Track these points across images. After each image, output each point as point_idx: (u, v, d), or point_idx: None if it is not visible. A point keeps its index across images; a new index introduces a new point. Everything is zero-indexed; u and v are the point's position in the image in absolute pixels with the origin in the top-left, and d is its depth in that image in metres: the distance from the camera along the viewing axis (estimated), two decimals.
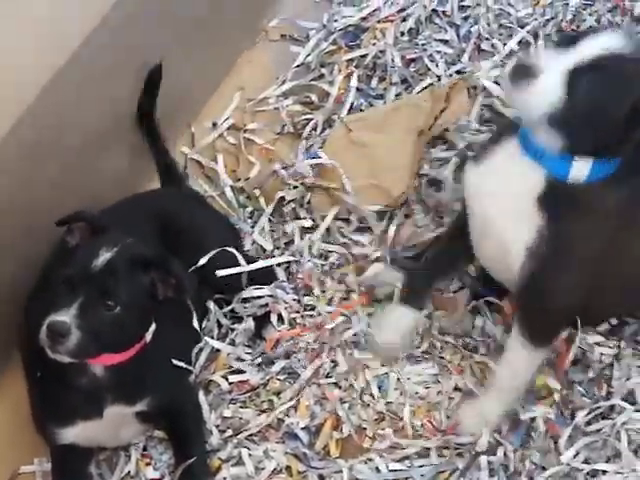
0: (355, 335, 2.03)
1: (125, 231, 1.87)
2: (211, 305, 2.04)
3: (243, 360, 2.02)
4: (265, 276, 2.09)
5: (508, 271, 1.79)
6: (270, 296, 2.07)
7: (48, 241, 1.92)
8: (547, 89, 1.61)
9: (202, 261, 1.97)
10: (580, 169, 1.68)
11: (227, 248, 2.01)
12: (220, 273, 2.00)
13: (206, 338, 2.01)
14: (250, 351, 2.04)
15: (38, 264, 1.95)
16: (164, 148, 2.20)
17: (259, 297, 2.06)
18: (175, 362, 1.90)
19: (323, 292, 2.11)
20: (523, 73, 1.61)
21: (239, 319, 2.07)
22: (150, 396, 1.86)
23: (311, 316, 2.09)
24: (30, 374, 1.88)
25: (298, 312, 2.08)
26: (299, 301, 2.09)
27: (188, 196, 2.19)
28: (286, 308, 2.07)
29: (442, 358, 2.03)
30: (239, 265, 2.02)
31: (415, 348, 2.04)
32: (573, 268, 1.75)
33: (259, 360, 2.03)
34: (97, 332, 1.70)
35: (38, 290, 1.93)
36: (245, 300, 2.07)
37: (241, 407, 1.98)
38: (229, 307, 2.06)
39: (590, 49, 1.61)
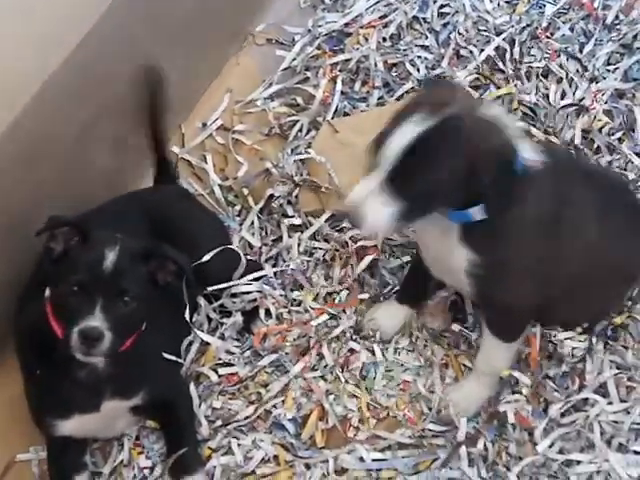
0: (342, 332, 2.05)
1: (118, 229, 1.87)
2: (201, 300, 2.04)
3: (232, 353, 2.02)
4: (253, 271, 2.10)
5: (464, 289, 1.88)
6: (258, 291, 2.07)
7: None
8: (376, 213, 1.66)
9: (206, 257, 1.98)
10: (475, 212, 1.71)
11: (223, 245, 2.03)
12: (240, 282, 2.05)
13: (196, 331, 2.01)
14: (239, 345, 2.04)
15: (29, 262, 1.94)
16: (164, 145, 2.19)
17: (248, 292, 2.07)
18: (167, 356, 1.90)
19: (310, 288, 2.12)
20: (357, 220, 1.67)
21: (228, 314, 2.07)
22: (146, 389, 1.86)
23: (298, 312, 2.10)
24: (27, 370, 1.87)
25: (285, 307, 2.09)
26: (286, 297, 2.10)
27: (180, 194, 2.19)
28: (274, 303, 2.08)
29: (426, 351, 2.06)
30: (232, 261, 2.03)
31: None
32: (511, 280, 1.81)
33: (248, 353, 2.03)
34: (122, 328, 1.72)
35: (30, 288, 1.92)
36: (234, 295, 2.07)
37: (230, 399, 1.98)
38: (218, 302, 2.06)
39: (389, 154, 1.64)
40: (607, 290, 1.96)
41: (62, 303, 1.74)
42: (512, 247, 1.77)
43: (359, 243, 2.15)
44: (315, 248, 2.19)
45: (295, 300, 2.12)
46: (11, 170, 1.86)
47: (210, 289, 2.04)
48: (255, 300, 2.08)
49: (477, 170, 1.62)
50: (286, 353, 2.02)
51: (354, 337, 2.07)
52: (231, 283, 2.05)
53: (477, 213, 1.71)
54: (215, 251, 2.00)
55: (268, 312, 2.08)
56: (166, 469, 1.88)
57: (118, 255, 1.73)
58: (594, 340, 1.99)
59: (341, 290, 2.13)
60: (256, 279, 2.09)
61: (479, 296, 1.87)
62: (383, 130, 1.67)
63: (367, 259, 2.13)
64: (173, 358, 1.92)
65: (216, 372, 2.00)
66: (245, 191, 2.26)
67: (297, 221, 2.21)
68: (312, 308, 2.09)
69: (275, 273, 2.14)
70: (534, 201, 1.74)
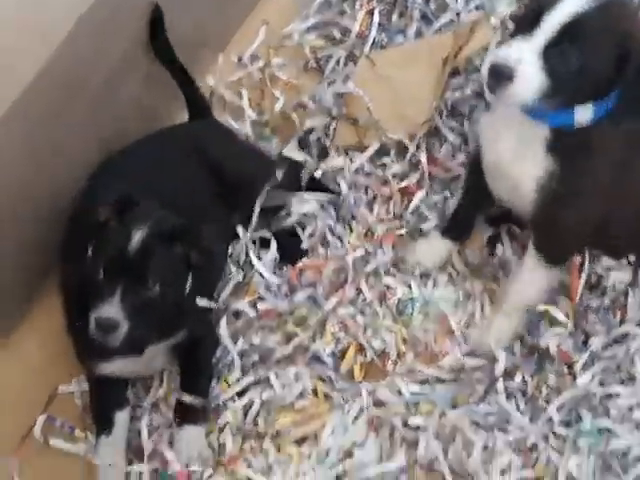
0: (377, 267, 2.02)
1: (160, 166, 1.87)
2: (240, 231, 2.00)
3: (270, 289, 1.99)
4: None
5: (522, 205, 1.79)
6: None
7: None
8: (527, 82, 1.57)
9: (257, 205, 1.97)
10: (582, 115, 1.65)
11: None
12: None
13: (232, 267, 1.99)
14: (278, 280, 2.01)
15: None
16: (191, 81, 2.14)
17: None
18: (202, 300, 1.86)
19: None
20: (499, 77, 1.56)
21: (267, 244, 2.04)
22: (184, 329, 1.84)
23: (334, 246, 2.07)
24: (69, 317, 1.85)
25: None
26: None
27: (220, 128, 2.14)
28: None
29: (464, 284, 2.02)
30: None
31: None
32: (581, 201, 1.74)
33: (284, 288, 2.00)
34: (144, 317, 1.67)
35: (70, 234, 1.89)
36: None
37: (269, 333, 1.96)
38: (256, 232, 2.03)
39: (553, 23, 1.55)
40: None
41: (87, 282, 1.69)
42: (598, 164, 1.69)
43: (402, 183, 2.11)
44: (358, 183, 2.14)
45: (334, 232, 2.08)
46: (45, 110, 1.82)
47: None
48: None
49: (629, 56, 1.55)
50: (323, 288, 1.99)
51: (392, 271, 2.03)
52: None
53: (583, 116, 1.64)
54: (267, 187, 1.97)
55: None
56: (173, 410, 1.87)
57: (146, 236, 1.66)
58: (639, 272, 1.93)
59: (380, 222, 2.08)
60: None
61: (541, 214, 1.76)
62: None
63: (417, 197, 2.09)
64: (206, 304, 1.87)
65: (255, 307, 1.97)
66: (292, 115, 2.20)
67: (339, 162, 2.15)
68: (348, 243, 2.05)
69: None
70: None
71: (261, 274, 2.01)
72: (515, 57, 1.56)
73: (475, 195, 1.95)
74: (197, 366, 1.89)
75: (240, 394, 1.90)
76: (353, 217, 2.10)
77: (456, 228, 2.02)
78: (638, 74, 1.58)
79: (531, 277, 1.86)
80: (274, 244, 2.04)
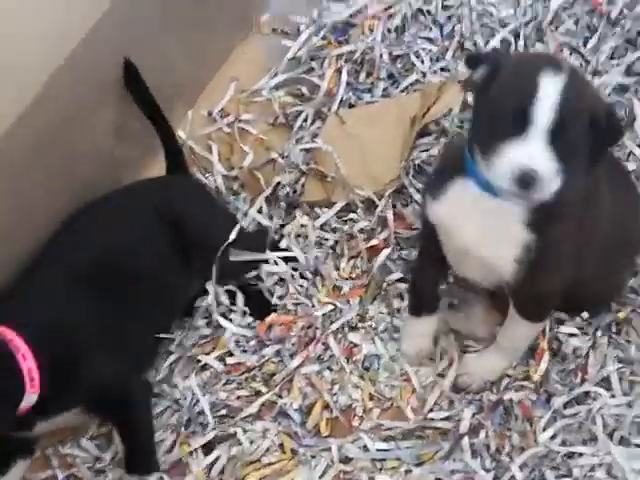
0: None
1: (126, 218, 1.90)
2: (209, 286, 2.00)
3: (239, 344, 1.99)
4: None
5: (495, 281, 1.82)
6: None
7: None
8: (551, 180, 1.57)
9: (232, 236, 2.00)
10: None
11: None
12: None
13: (218, 317, 2.01)
14: (249, 333, 2.01)
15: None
16: (171, 134, 2.15)
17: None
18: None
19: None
20: (528, 185, 1.56)
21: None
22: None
23: (302, 303, 2.07)
24: None
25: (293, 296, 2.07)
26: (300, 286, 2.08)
27: (192, 183, 2.15)
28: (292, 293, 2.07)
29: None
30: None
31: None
32: (560, 263, 1.76)
33: (253, 343, 2.00)
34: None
35: None
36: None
37: (236, 389, 1.95)
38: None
39: (544, 118, 1.54)
40: (623, 262, 1.95)
41: None
42: (569, 227, 1.72)
43: (371, 241, 2.13)
44: (324, 239, 2.15)
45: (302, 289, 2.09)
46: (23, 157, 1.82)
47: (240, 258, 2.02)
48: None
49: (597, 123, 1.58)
50: (292, 344, 1.99)
51: (359, 326, 2.04)
52: (261, 256, 2.07)
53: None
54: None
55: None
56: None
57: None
58: (598, 334, 1.96)
59: (346, 280, 2.10)
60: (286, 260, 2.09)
61: (523, 284, 1.76)
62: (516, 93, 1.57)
63: (383, 254, 2.09)
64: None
65: (223, 361, 1.96)
66: (258, 174, 2.22)
67: (304, 221, 2.18)
68: (317, 300, 2.06)
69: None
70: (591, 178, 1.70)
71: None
72: (535, 163, 1.55)
73: (432, 269, 1.94)
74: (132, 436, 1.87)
75: (206, 450, 1.88)
76: (320, 274, 2.10)
77: (423, 305, 1.99)
78: (602, 137, 1.61)
79: (518, 327, 1.89)
80: (241, 298, 2.03)
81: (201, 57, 2.30)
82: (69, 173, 1.96)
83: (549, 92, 1.55)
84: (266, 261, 2.09)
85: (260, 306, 2.05)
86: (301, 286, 2.08)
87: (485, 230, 1.72)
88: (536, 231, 1.70)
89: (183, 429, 1.90)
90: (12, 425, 1.74)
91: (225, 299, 2.04)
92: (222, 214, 2.13)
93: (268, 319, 2.02)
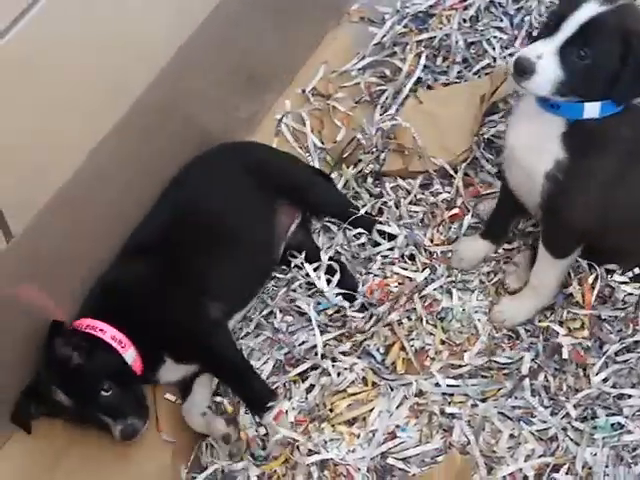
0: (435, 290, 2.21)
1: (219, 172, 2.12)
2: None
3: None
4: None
5: (533, 197, 1.98)
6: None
7: None
8: (546, 75, 1.79)
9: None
10: (591, 110, 1.85)
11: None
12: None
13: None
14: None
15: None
16: None
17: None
18: None
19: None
20: (523, 69, 1.79)
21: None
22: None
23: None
24: None
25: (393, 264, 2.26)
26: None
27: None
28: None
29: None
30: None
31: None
32: (586, 192, 1.91)
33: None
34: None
35: None
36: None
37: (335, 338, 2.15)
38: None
39: (571, 26, 1.77)
40: None
41: None
42: (603, 157, 1.88)
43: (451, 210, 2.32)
44: (411, 211, 2.34)
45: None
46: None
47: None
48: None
49: (630, 48, 1.76)
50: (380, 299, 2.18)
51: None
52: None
53: (591, 110, 1.84)
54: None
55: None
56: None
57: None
58: None
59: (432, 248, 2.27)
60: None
61: (547, 204, 1.94)
62: (563, 4, 1.80)
63: (466, 220, 2.28)
64: None
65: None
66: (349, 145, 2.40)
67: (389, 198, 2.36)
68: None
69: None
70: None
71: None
72: (536, 54, 1.78)
73: (507, 205, 2.14)
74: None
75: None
76: (414, 243, 2.28)
77: (493, 232, 2.21)
78: (637, 64, 1.78)
79: (544, 262, 2.05)
80: (338, 270, 2.20)
81: (296, 42, 2.50)
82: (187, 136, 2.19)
83: (585, 12, 1.76)
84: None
85: (347, 282, 2.21)
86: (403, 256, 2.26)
87: (529, 137, 1.93)
88: (570, 151, 1.88)
89: (282, 359, 2.11)
90: (139, 380, 1.98)
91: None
92: (301, 161, 2.34)
93: (370, 284, 2.20)
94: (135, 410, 1.92)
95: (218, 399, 2.06)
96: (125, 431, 1.89)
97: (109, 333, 1.93)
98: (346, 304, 2.16)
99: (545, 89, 1.81)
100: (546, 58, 1.78)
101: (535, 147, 1.92)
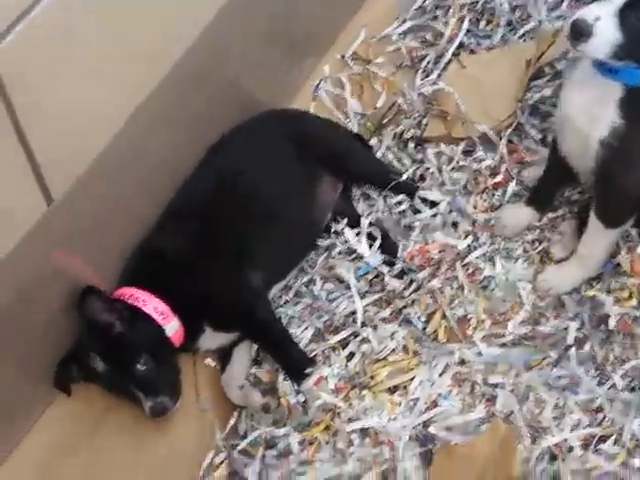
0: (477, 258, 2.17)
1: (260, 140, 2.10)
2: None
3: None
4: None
5: (586, 162, 1.92)
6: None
7: None
8: (603, 38, 1.71)
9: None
10: None
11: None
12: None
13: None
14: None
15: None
16: None
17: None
18: None
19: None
20: (580, 31, 1.72)
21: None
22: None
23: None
24: None
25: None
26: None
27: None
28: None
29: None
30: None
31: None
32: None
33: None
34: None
35: None
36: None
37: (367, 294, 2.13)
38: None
39: None
40: None
41: None
42: None
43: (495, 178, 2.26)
44: (453, 178, 2.29)
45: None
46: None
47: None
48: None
49: None
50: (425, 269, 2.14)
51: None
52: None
53: None
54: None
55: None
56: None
57: None
58: None
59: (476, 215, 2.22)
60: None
61: (601, 170, 1.89)
62: None
63: (510, 187, 2.24)
64: None
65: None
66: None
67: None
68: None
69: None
70: None
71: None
72: (594, 15, 1.72)
73: (555, 172, 2.09)
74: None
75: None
76: (458, 209, 2.23)
77: (538, 200, 2.16)
78: None
79: (595, 231, 1.99)
80: (379, 236, 2.18)
81: (336, 6, 2.45)
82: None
83: None
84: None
85: (389, 248, 2.19)
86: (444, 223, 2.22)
87: (584, 103, 1.87)
88: (627, 117, 1.82)
89: (322, 326, 2.09)
90: (178, 350, 1.97)
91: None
92: (342, 128, 2.30)
93: (410, 250, 2.17)
94: (168, 388, 1.91)
95: (254, 370, 2.04)
96: (155, 408, 1.88)
97: (151, 305, 1.92)
98: (385, 269, 2.13)
99: (603, 52, 1.74)
100: (604, 20, 1.71)
101: (590, 113, 1.86)
